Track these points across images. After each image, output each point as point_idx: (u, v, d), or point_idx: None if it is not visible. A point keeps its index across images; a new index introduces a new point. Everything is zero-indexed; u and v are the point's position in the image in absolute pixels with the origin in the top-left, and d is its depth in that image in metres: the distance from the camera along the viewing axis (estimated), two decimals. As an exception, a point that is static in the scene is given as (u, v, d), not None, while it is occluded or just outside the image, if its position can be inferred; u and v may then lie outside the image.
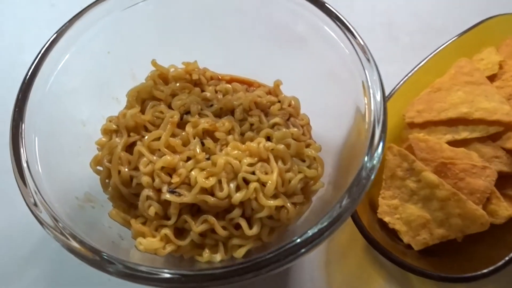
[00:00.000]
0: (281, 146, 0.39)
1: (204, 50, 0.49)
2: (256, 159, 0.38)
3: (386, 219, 0.43)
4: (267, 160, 0.38)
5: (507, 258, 0.38)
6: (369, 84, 0.36)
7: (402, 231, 0.42)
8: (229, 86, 0.45)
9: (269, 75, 0.47)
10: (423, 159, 0.43)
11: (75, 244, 0.30)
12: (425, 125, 0.46)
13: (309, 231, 0.32)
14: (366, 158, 0.33)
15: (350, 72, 0.39)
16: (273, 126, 0.43)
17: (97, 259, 0.30)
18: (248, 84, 0.47)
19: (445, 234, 0.40)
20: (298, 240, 0.32)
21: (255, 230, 0.36)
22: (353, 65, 0.38)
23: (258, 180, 0.37)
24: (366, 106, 0.36)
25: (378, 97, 0.35)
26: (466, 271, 0.38)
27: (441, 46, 0.51)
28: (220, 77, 0.47)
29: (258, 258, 0.31)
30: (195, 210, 0.38)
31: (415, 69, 0.50)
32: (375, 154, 0.34)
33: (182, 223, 0.37)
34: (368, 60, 0.37)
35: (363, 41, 0.38)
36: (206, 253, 0.36)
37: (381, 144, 0.34)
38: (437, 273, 0.39)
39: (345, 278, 0.44)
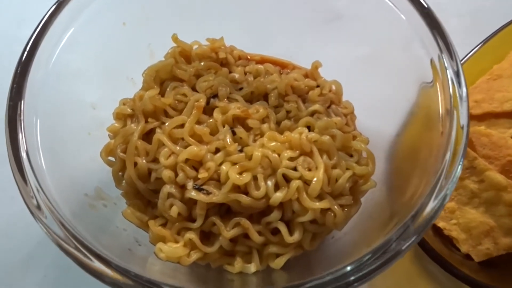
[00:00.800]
0: (326, 138, 0.33)
1: (230, 25, 0.43)
2: (297, 152, 0.32)
3: (441, 224, 0.37)
4: (310, 154, 0.33)
5: None
6: (444, 64, 0.30)
7: (460, 239, 0.36)
8: (261, 67, 0.39)
9: (305, 57, 0.41)
10: (486, 156, 0.37)
11: (97, 264, 0.24)
12: (484, 117, 0.40)
13: (364, 265, 0.26)
14: (440, 180, 0.27)
15: (409, 49, 0.33)
16: (312, 114, 0.37)
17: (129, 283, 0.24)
18: (282, 66, 0.41)
19: (513, 245, 0.34)
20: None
21: (296, 236, 0.31)
22: (414, 38, 0.32)
23: (300, 178, 0.31)
24: (440, 96, 0.29)
25: (456, 84, 0.29)
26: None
27: (499, 29, 0.45)
28: (249, 57, 0.41)
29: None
30: (224, 210, 0.32)
31: (470, 54, 0.43)
32: (453, 175, 0.27)
33: (209, 226, 0.31)
34: (437, 30, 0.31)
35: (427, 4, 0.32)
36: (238, 263, 0.31)
37: (461, 161, 0.27)
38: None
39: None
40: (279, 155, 0.32)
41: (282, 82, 0.37)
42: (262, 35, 0.43)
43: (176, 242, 0.31)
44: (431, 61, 0.31)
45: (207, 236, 0.32)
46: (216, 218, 0.31)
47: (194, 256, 0.30)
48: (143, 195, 0.33)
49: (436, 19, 0.31)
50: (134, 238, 0.31)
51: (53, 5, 0.33)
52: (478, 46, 0.44)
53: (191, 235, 0.31)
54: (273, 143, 0.32)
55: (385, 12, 0.35)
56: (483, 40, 0.44)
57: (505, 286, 0.34)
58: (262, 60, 0.41)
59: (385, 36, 0.36)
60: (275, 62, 0.41)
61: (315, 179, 0.31)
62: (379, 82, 0.38)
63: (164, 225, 0.32)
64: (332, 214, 0.31)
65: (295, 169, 0.31)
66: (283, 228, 0.31)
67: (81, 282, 0.38)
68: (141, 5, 0.38)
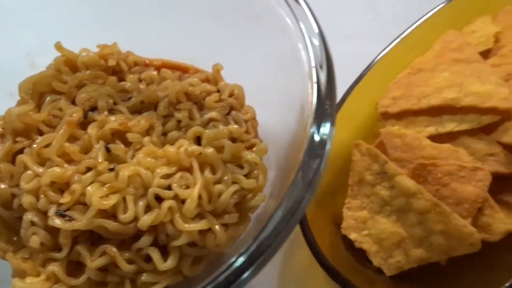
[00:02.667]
0: (210, 150, 0.30)
1: (129, 28, 0.40)
2: (174, 168, 0.29)
3: (352, 236, 0.34)
4: (190, 169, 0.29)
5: (507, 285, 0.29)
6: (312, 64, 0.27)
7: (372, 252, 0.33)
8: (155, 73, 0.36)
9: (210, 60, 0.38)
10: (398, 159, 0.34)
11: None
12: (402, 116, 0.37)
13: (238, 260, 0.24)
14: (306, 154, 0.24)
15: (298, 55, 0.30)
16: (208, 122, 0.34)
17: None
18: (183, 70, 0.38)
19: (424, 256, 0.31)
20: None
21: (170, 263, 0.28)
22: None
23: (175, 197, 0.28)
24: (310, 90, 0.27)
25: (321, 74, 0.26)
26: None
27: (423, 17, 0.41)
28: (147, 62, 0.38)
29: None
30: (96, 237, 0.29)
31: (391, 46, 0.40)
32: (323, 148, 0.25)
33: (77, 256, 0.28)
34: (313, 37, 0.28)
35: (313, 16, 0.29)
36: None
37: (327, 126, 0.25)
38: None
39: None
40: (153, 172, 0.29)
41: (174, 88, 0.34)
42: (166, 37, 0.40)
43: (39, 275, 0.28)
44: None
45: (78, 265, 0.29)
46: (82, 246, 0.28)
47: (58, 290, 0.28)
48: (8, 223, 0.30)
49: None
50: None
51: None
52: (402, 36, 0.41)
53: (54, 267, 0.28)
54: (149, 159, 0.29)
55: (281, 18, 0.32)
56: (406, 29, 0.41)
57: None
58: (162, 65, 0.38)
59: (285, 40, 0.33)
60: (176, 67, 0.38)
61: (189, 198, 0.28)
62: (281, 87, 0.35)
63: (30, 257, 0.29)
64: (213, 235, 0.28)
65: (170, 188, 0.28)
66: (155, 255, 0.28)
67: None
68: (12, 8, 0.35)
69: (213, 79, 0.37)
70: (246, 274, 0.23)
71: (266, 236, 0.23)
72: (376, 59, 0.40)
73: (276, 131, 0.35)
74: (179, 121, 0.33)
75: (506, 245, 0.31)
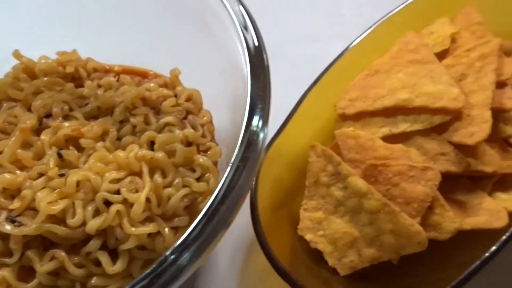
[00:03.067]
0: (160, 155, 0.30)
1: (91, 35, 0.40)
2: (124, 173, 0.30)
3: (308, 236, 0.34)
4: (140, 174, 0.30)
5: (453, 284, 0.30)
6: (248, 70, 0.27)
7: (327, 252, 0.34)
8: (113, 79, 0.36)
9: (171, 65, 0.39)
10: (352, 160, 0.34)
11: None
12: (358, 117, 0.37)
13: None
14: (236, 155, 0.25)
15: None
16: (164, 127, 0.34)
17: None
18: (143, 76, 0.39)
19: (376, 255, 0.32)
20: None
21: (118, 266, 0.28)
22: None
23: (124, 201, 0.29)
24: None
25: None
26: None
27: (382, 18, 0.42)
28: (108, 68, 0.39)
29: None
30: (48, 242, 0.29)
31: (350, 47, 0.41)
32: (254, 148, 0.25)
33: (28, 261, 0.29)
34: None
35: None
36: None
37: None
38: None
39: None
40: (102, 177, 0.29)
41: (130, 94, 0.34)
42: (125, 43, 0.40)
43: (-10, 280, 0.28)
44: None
45: (31, 271, 0.29)
46: (32, 251, 0.28)
47: (8, 295, 0.28)
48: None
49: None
50: None
51: None
52: (361, 37, 0.42)
53: (4, 273, 0.28)
54: (98, 164, 0.30)
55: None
56: (365, 31, 0.42)
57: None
58: (123, 71, 0.39)
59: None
60: (136, 72, 0.39)
61: (136, 202, 0.28)
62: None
63: (-16, 261, 0.29)
64: (162, 238, 0.29)
65: (119, 192, 0.29)
66: (103, 258, 0.28)
67: None
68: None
69: (171, 84, 0.37)
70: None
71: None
72: (335, 61, 0.40)
73: (230, 133, 0.36)
74: (134, 126, 0.34)
75: (455, 243, 0.32)
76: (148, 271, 0.22)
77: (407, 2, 0.43)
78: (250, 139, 0.25)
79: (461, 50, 0.38)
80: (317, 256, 0.35)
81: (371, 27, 0.42)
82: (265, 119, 0.25)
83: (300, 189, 0.37)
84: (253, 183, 0.34)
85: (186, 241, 0.22)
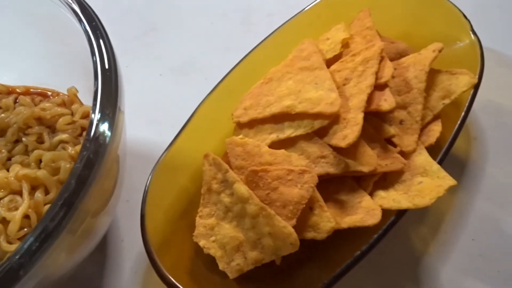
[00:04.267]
0: (41, 172, 0.32)
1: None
2: (3, 192, 0.31)
3: (201, 243, 0.36)
4: (20, 193, 0.31)
5: (325, 282, 0.31)
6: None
7: (217, 257, 0.35)
8: (9, 100, 0.38)
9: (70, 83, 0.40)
10: (239, 167, 0.36)
11: None
12: (252, 124, 0.39)
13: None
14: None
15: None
16: (58, 144, 0.35)
17: None
18: (44, 96, 0.40)
19: (259, 258, 0.33)
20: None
21: None
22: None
23: (2, 220, 0.30)
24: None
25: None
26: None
27: (281, 26, 0.44)
28: (10, 90, 0.40)
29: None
30: None
31: (247, 57, 0.42)
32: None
33: None
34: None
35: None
36: None
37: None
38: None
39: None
40: (-17, 197, 0.30)
41: (22, 115, 0.35)
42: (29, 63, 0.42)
43: None
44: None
45: None
46: None
47: None
48: None
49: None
50: None
51: None
52: (257, 46, 0.43)
53: None
54: (-19, 185, 0.31)
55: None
56: (265, 39, 0.43)
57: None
58: (25, 92, 0.40)
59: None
60: (39, 93, 0.40)
61: (12, 220, 0.29)
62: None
63: None
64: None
65: (-3, 211, 0.30)
66: (-18, 276, 0.29)
67: None
68: None
69: (69, 101, 0.39)
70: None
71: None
72: (231, 71, 0.42)
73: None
74: (27, 146, 0.35)
75: (333, 242, 0.33)
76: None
77: (307, 7, 0.45)
78: (95, 135, 0.26)
79: (349, 55, 0.40)
80: (212, 261, 0.36)
81: (270, 34, 0.44)
82: (107, 115, 0.26)
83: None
84: (144, 196, 0.36)
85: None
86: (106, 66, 0.28)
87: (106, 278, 0.38)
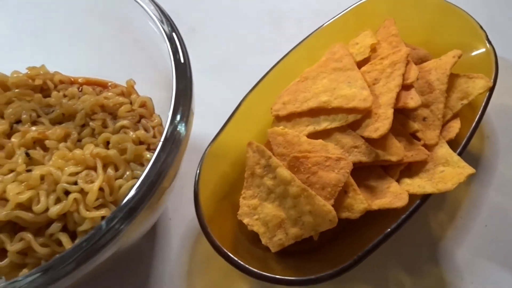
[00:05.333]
0: (112, 152, 0.36)
1: (59, 52, 0.46)
2: (81, 167, 0.35)
3: (245, 220, 0.40)
4: (94, 168, 0.36)
5: (356, 258, 0.35)
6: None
7: (260, 233, 0.39)
8: (76, 90, 0.42)
9: (126, 77, 0.44)
10: (280, 154, 0.40)
11: None
12: (290, 117, 0.43)
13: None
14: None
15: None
16: (120, 129, 0.40)
17: None
18: (102, 86, 0.44)
19: (299, 233, 0.37)
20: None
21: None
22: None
23: (81, 191, 0.34)
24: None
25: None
26: (321, 272, 0.36)
27: (313, 32, 0.48)
28: (72, 80, 0.44)
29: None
30: (18, 227, 0.35)
31: (285, 58, 0.47)
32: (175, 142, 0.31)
33: (1, 243, 0.34)
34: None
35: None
36: (25, 273, 0.33)
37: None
38: (289, 278, 0.36)
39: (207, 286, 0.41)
40: (62, 171, 0.35)
41: (89, 102, 0.40)
42: (88, 58, 0.46)
43: (-32, 260, 0.33)
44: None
45: (4, 251, 0.35)
46: (4, 235, 0.34)
47: (-17, 271, 0.33)
48: None
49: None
50: None
51: None
52: (293, 49, 0.48)
53: (-20, 253, 0.33)
54: (60, 161, 0.35)
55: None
56: (299, 43, 0.48)
57: (300, 273, 0.37)
58: (85, 82, 0.45)
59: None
60: (97, 83, 0.45)
61: (90, 191, 0.34)
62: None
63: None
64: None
65: (76, 183, 0.34)
66: (63, 238, 0.34)
67: None
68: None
69: (127, 92, 0.43)
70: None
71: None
72: (270, 70, 0.46)
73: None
74: (93, 129, 0.39)
75: (365, 221, 0.38)
76: (88, 235, 0.27)
77: (337, 16, 0.50)
78: (174, 130, 0.31)
79: (377, 58, 0.44)
80: (254, 237, 0.40)
81: (304, 39, 0.48)
82: (185, 115, 0.31)
83: (243, 182, 0.43)
84: (197, 178, 0.40)
85: (116, 213, 0.28)
86: (186, 73, 0.33)
87: (157, 251, 0.42)
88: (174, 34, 0.35)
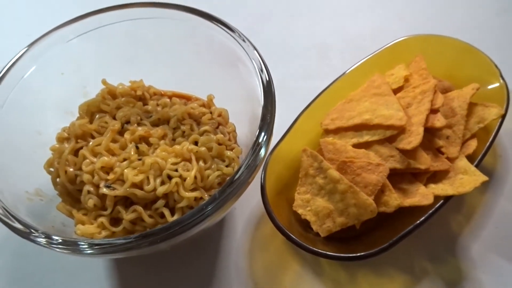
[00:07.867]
0: (203, 149, 0.46)
1: (151, 70, 0.57)
2: (179, 159, 0.46)
3: (300, 211, 0.50)
4: (190, 160, 0.46)
5: (391, 241, 0.45)
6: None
7: (312, 221, 0.49)
8: (168, 100, 0.53)
9: (206, 91, 0.55)
10: (330, 159, 0.50)
11: (17, 224, 0.38)
12: (337, 131, 0.53)
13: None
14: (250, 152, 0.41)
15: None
16: (203, 133, 0.50)
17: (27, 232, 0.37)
18: (187, 99, 0.55)
19: (344, 222, 0.47)
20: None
21: (175, 217, 0.43)
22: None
23: (180, 176, 0.44)
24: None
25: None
26: (361, 252, 0.45)
27: (357, 63, 0.59)
28: (162, 93, 0.55)
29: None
30: (128, 203, 0.45)
31: (332, 84, 0.57)
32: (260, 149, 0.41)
33: (117, 214, 0.44)
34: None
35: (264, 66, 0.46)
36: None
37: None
38: (336, 254, 0.45)
39: (266, 265, 0.50)
40: (166, 161, 0.45)
41: (180, 110, 0.51)
42: (176, 75, 0.57)
43: (92, 224, 0.44)
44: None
45: (117, 221, 0.45)
46: (121, 207, 0.44)
47: (104, 233, 0.43)
48: (72, 194, 0.46)
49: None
50: (61, 223, 0.44)
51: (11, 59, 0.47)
52: (340, 77, 0.58)
53: (103, 219, 0.44)
54: (163, 153, 0.46)
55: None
56: (344, 72, 0.58)
57: (342, 252, 0.46)
58: (173, 95, 0.55)
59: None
60: (182, 96, 0.56)
61: (188, 177, 0.44)
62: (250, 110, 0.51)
63: (86, 214, 0.45)
64: (203, 201, 0.44)
65: (176, 170, 0.45)
66: (166, 212, 0.44)
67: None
68: (75, 59, 0.52)
69: (208, 104, 0.54)
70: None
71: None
72: (321, 93, 0.57)
73: (247, 139, 0.52)
74: (183, 132, 0.50)
75: (397, 215, 0.47)
76: (194, 210, 0.38)
77: (376, 52, 0.60)
78: (257, 149, 0.41)
79: (410, 87, 0.54)
80: (305, 225, 0.50)
81: (348, 69, 0.59)
82: (268, 136, 0.41)
83: (294, 182, 0.52)
84: (263, 176, 0.50)
85: (211, 200, 0.38)
86: (271, 91, 0.44)
87: (225, 232, 0.52)
88: (256, 52, 0.46)
